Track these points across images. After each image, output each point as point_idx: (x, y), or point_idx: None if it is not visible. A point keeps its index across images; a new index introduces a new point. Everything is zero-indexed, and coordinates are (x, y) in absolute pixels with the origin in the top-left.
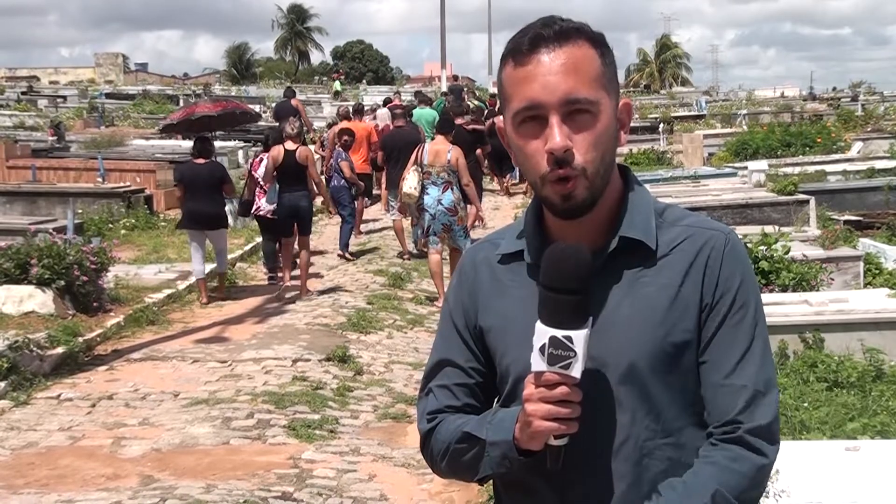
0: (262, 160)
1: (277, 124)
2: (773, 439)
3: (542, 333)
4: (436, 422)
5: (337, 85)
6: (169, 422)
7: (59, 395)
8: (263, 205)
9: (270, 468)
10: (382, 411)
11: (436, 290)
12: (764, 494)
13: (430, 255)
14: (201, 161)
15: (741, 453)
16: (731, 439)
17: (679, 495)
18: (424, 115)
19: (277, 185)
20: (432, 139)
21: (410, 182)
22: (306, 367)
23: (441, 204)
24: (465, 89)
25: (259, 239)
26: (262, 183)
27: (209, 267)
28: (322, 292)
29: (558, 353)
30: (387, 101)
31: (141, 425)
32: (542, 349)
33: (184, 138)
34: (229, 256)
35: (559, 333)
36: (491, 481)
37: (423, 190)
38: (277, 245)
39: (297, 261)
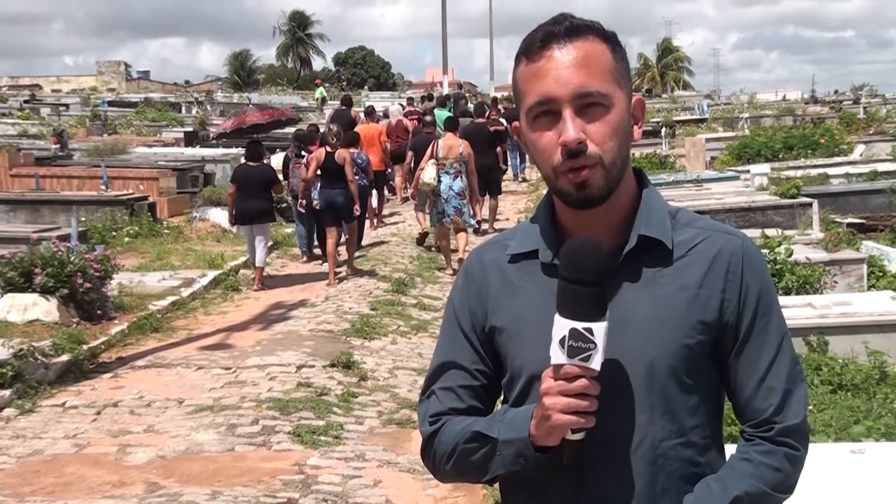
0: None
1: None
2: (805, 436)
3: (562, 326)
4: (439, 424)
5: (320, 92)
6: (174, 429)
7: (65, 403)
8: (314, 196)
9: (276, 474)
10: (387, 417)
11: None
12: None
13: (439, 228)
14: (253, 164)
15: (775, 449)
16: (766, 438)
17: (713, 492)
18: (440, 115)
19: (319, 183)
20: (444, 136)
21: (430, 173)
22: (311, 373)
23: (452, 189)
24: (468, 95)
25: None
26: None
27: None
28: (339, 281)
29: (578, 345)
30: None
31: (146, 432)
32: (561, 342)
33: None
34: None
35: (580, 325)
36: (498, 486)
37: (437, 179)
38: (315, 232)
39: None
